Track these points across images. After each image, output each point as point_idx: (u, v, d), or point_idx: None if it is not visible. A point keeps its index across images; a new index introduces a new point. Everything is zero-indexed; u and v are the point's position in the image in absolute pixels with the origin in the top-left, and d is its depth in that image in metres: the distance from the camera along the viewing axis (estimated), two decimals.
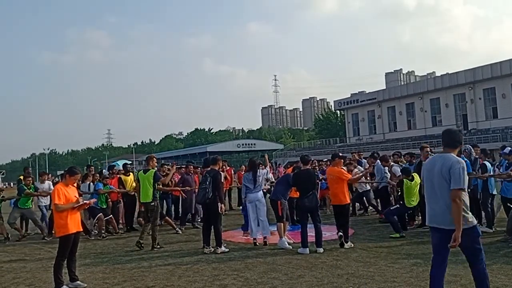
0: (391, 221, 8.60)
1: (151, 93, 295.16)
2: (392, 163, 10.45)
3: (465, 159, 7.21)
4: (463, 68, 48.35)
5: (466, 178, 3.84)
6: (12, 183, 52.17)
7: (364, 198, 11.72)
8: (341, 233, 7.36)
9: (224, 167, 11.77)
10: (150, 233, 8.14)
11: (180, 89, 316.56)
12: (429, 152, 9.17)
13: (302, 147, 71.12)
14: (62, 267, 5.59)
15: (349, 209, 7.86)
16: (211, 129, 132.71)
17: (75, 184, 6.30)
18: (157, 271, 6.32)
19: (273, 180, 11.50)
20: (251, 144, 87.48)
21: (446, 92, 48.72)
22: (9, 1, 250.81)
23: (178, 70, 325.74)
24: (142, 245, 8.04)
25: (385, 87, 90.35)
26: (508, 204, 7.85)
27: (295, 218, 9.73)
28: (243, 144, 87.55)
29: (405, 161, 10.66)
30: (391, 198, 10.59)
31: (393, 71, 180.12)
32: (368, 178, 10.84)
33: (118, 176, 10.98)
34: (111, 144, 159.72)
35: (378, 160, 10.77)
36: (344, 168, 9.00)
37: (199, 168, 11.82)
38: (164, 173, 10.01)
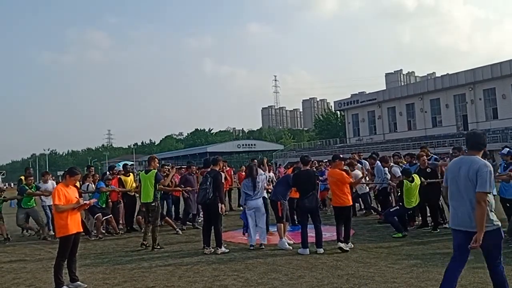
0: (391, 222, 8.60)
1: (151, 93, 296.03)
2: (392, 164, 10.44)
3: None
4: (463, 69, 48.29)
5: (493, 181, 3.86)
6: (12, 184, 52.28)
7: (361, 199, 11.65)
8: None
9: (224, 167, 11.79)
10: (150, 233, 8.16)
11: (180, 89, 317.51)
12: (426, 160, 9.23)
13: (302, 147, 71.13)
14: (63, 268, 5.59)
15: (351, 211, 7.82)
16: (211, 130, 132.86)
17: (77, 184, 6.30)
18: (158, 272, 6.33)
19: (275, 180, 11.49)
20: (251, 145, 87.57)
21: (446, 92, 48.76)
22: (9, 1, 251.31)
23: (178, 70, 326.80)
24: (148, 245, 8.12)
25: (385, 88, 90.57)
26: (508, 205, 7.86)
27: (295, 218, 9.73)
28: (243, 145, 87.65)
29: (405, 162, 10.66)
30: (390, 199, 10.58)
31: (393, 71, 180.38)
32: (367, 179, 10.84)
33: (118, 176, 11.00)
34: (111, 145, 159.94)
35: (378, 161, 10.76)
36: (346, 168, 9.00)
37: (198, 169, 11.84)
38: (165, 174, 10.03)
